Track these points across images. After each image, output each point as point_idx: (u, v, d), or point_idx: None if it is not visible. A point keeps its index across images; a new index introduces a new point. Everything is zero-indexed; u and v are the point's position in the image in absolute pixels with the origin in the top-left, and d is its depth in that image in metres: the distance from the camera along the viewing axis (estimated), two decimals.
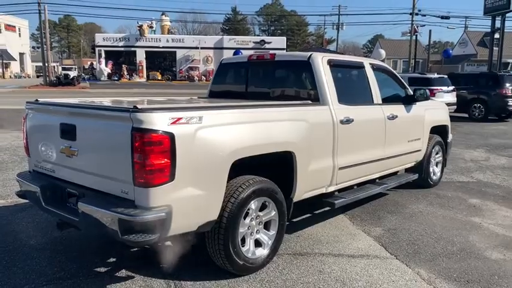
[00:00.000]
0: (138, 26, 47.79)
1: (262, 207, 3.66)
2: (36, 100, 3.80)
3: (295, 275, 3.59)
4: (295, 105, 4.07)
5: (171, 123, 2.88)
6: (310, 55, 4.47)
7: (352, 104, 4.62)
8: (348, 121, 4.44)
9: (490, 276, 3.64)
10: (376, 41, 76.95)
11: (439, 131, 6.46)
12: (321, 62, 4.41)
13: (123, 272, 3.56)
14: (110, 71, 48.16)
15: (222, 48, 49.71)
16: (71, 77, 38.66)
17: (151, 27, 49.02)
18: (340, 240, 4.38)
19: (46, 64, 38.00)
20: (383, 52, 31.50)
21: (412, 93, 5.65)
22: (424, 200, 5.83)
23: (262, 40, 51.99)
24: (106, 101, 4.03)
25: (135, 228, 2.83)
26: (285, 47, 51.58)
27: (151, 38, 49.13)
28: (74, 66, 48.63)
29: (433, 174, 6.48)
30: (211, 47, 49.91)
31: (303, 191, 4.07)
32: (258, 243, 3.69)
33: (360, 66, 5.03)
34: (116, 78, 47.02)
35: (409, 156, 5.74)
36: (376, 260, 3.93)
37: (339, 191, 4.72)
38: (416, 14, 40.81)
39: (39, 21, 38.25)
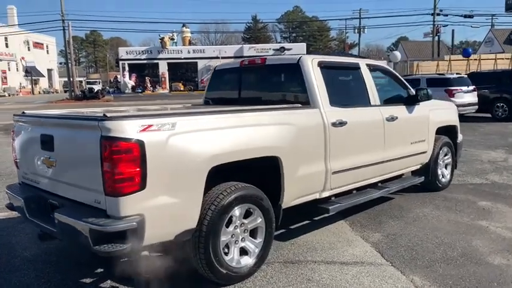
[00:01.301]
0: (160, 39, 48.60)
1: (247, 215, 3.58)
2: (23, 112, 3.84)
3: (282, 284, 3.49)
4: (280, 109, 3.98)
5: (141, 131, 2.84)
6: (300, 57, 4.38)
7: (345, 106, 4.50)
8: (341, 124, 4.32)
9: (488, 283, 3.44)
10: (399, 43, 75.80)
11: (447, 131, 6.24)
12: (310, 64, 4.31)
13: (108, 283, 3.53)
14: (133, 84, 49.05)
15: (242, 57, 49.77)
16: (95, 90, 39.60)
17: (172, 39, 49.74)
18: (336, 247, 4.24)
19: (71, 79, 39.00)
20: (398, 54, 30.93)
21: (414, 93, 5.47)
22: (430, 203, 5.61)
23: (282, 47, 51.97)
24: (86, 112, 4.04)
25: (106, 238, 2.79)
26: (305, 53, 51.31)
27: (173, 50, 49.83)
28: (98, 80, 49.75)
29: (442, 177, 6.24)
30: (232, 56, 50.13)
31: (292, 197, 3.97)
32: (244, 252, 3.60)
33: (356, 67, 4.89)
34: (140, 91, 47.84)
35: (414, 158, 5.54)
36: (369, 267, 3.77)
37: (337, 195, 4.59)
38: (438, 14, 40.02)
39: (64, 38, 39.29)
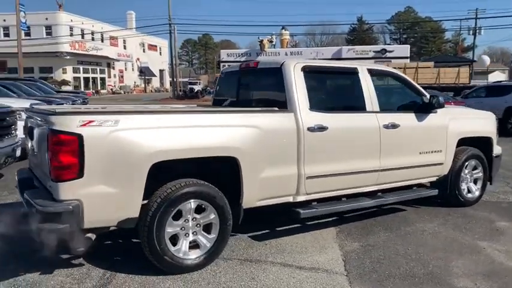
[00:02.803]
0: (259, 41, 49.81)
1: (201, 210, 3.77)
2: (31, 106, 4.47)
3: (224, 279, 3.63)
4: (246, 111, 4.10)
5: (81, 126, 3.20)
6: (283, 62, 4.44)
7: (329, 111, 4.45)
8: (321, 129, 4.29)
9: None
10: None
11: (477, 143, 5.74)
12: (292, 69, 4.35)
13: (69, 262, 3.92)
14: None
15: (340, 58, 49.05)
16: (195, 90, 42.18)
17: (271, 41, 50.67)
18: (305, 252, 4.23)
19: (175, 79, 41.92)
20: (486, 58, 28.05)
21: (428, 101, 5.15)
22: (439, 218, 5.24)
23: (383, 49, 49.97)
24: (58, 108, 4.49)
25: (48, 217, 3.21)
26: (408, 56, 48.93)
27: (271, 52, 50.71)
28: (198, 81, 52.58)
29: (468, 192, 5.75)
30: (329, 58, 49.56)
31: (255, 197, 4.06)
32: (197, 245, 3.80)
33: (351, 72, 4.79)
34: None
35: (425, 169, 5.22)
36: (321, 274, 3.74)
37: (323, 200, 4.56)
38: None
39: (170, 40, 42.42)
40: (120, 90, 56.67)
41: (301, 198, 4.36)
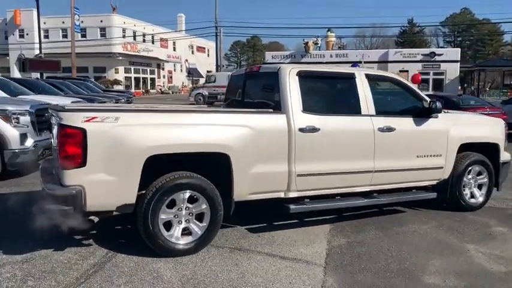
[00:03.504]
0: (304, 43, 49.92)
1: (194, 200, 4.17)
2: (57, 105, 5.05)
3: (210, 263, 4.00)
4: (240, 112, 4.45)
5: (85, 121, 3.69)
6: (280, 67, 4.76)
7: (323, 113, 4.72)
8: (313, 130, 4.57)
9: None
10: None
11: (483, 149, 5.79)
12: (287, 73, 4.66)
13: (80, 242, 4.44)
14: None
15: (387, 61, 48.23)
16: None
17: (316, 43, 50.65)
18: (293, 244, 4.52)
19: None
20: None
21: (427, 106, 5.29)
22: (435, 221, 5.35)
23: (432, 52, 48.54)
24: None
25: (56, 199, 3.72)
26: (459, 59, 47.32)
27: (316, 54, 50.66)
28: None
29: (472, 197, 5.80)
30: (375, 60, 48.84)
31: (246, 192, 4.40)
32: (190, 232, 4.20)
33: (349, 77, 5.03)
34: None
35: (423, 172, 5.36)
36: (300, 265, 4.03)
37: (316, 198, 4.83)
38: None
39: (216, 42, 43.38)
40: (169, 90, 58.58)
41: (292, 194, 4.66)
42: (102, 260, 4.03)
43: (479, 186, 5.88)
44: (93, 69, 49.36)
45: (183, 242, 4.15)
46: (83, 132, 3.67)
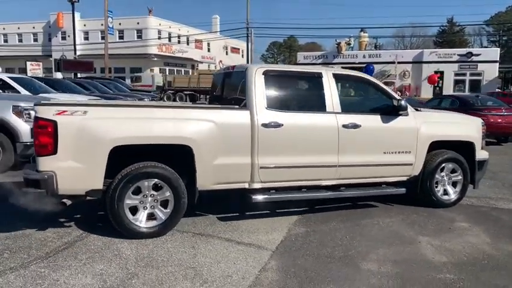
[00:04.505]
0: (336, 44, 49.74)
1: (159, 188, 4.57)
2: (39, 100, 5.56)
3: (170, 245, 4.39)
4: (199, 107, 4.82)
5: (56, 114, 4.16)
6: (247, 67, 5.09)
7: (287, 110, 5.01)
8: (276, 125, 4.88)
9: (323, 278, 3.70)
10: None
11: (458, 147, 5.89)
12: (254, 73, 4.99)
13: (62, 224, 4.94)
14: None
15: (421, 62, 47.35)
16: None
17: (348, 44, 50.33)
18: (255, 232, 4.84)
19: None
20: None
21: (396, 104, 5.46)
22: (401, 215, 5.52)
23: (469, 52, 47.18)
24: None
25: (30, 183, 4.22)
26: (498, 59, 45.77)
27: (348, 55, 50.38)
28: None
29: (444, 194, 5.91)
30: (409, 61, 48.06)
31: (210, 181, 4.76)
32: (155, 217, 4.61)
33: (316, 76, 5.28)
34: None
35: (391, 168, 5.55)
36: (251, 249, 4.35)
37: (282, 189, 5.12)
38: None
39: (247, 43, 43.93)
40: None
41: (256, 185, 4.98)
42: (75, 239, 4.50)
43: (454, 184, 5.98)
44: (129, 69, 51.08)
45: (147, 225, 4.55)
46: (54, 123, 4.14)
